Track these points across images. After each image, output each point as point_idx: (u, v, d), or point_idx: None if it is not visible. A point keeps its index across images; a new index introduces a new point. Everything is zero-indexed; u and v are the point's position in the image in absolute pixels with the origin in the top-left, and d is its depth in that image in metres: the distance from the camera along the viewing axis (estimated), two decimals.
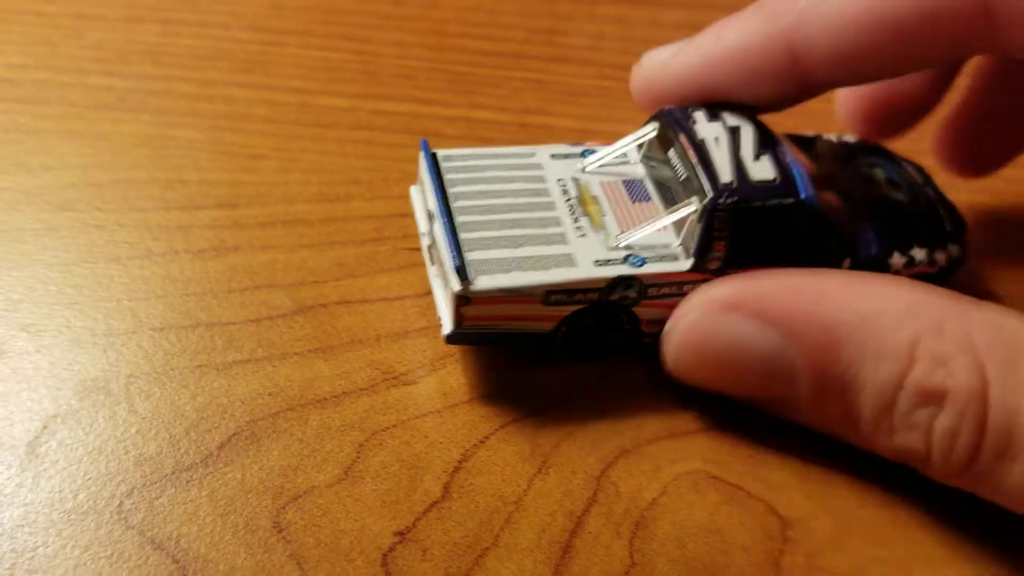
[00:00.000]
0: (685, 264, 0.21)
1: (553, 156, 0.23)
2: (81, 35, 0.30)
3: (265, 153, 0.27)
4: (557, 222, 0.21)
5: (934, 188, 0.25)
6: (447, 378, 0.21)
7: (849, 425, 0.19)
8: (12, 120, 0.27)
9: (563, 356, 0.22)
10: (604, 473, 0.20)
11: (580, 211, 0.22)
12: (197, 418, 0.20)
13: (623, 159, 0.23)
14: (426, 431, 0.20)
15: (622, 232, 0.21)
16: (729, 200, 0.20)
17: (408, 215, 0.25)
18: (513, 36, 0.33)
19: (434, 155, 0.22)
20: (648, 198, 0.22)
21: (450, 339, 0.20)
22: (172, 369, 0.21)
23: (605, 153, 0.23)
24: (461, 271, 0.19)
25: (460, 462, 0.20)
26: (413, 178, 0.27)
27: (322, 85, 0.30)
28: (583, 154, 0.23)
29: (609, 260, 0.20)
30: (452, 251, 0.20)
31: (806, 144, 0.25)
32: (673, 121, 0.22)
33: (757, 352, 0.19)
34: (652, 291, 0.21)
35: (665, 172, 0.22)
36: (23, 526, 0.18)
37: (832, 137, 0.26)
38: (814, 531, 0.19)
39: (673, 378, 0.21)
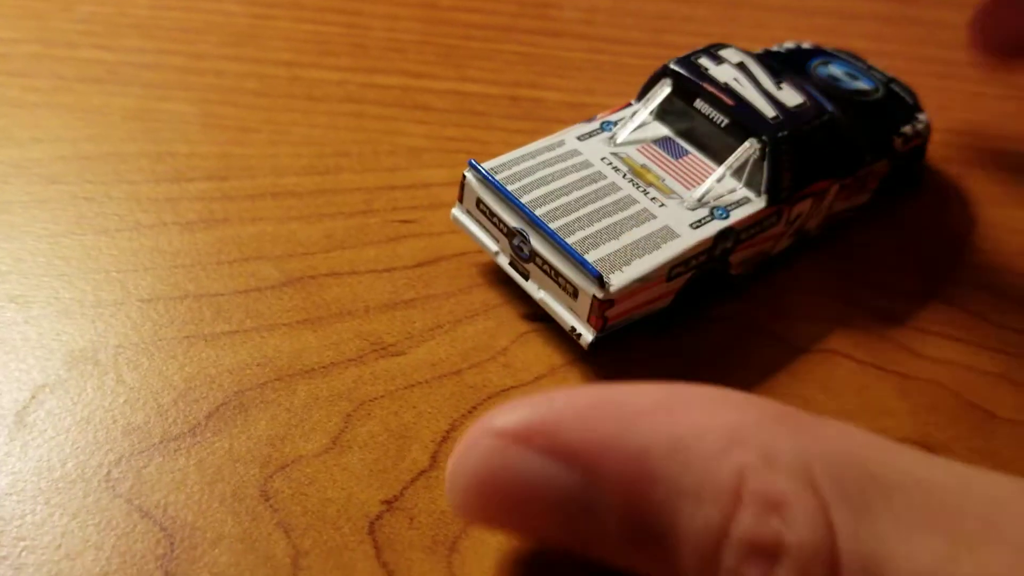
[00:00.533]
0: (761, 202, 0.22)
1: (579, 138, 0.23)
2: (72, 8, 0.30)
3: (255, 126, 0.27)
4: (633, 200, 0.22)
5: (877, 70, 0.27)
6: (436, 349, 0.21)
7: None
8: (2, 93, 0.27)
9: (671, 323, 0.22)
10: None
11: (642, 183, 0.22)
12: (185, 388, 0.20)
13: (630, 117, 0.24)
14: (414, 401, 0.20)
15: (690, 190, 0.22)
16: (784, 133, 0.22)
17: (397, 187, 0.26)
18: (504, 9, 0.33)
19: (486, 170, 0.22)
20: (686, 151, 0.23)
21: (594, 346, 0.20)
22: (160, 340, 0.21)
23: (628, 121, 0.24)
24: (599, 277, 0.20)
25: (448, 432, 0.20)
26: (403, 151, 0.27)
27: (312, 58, 0.30)
28: (603, 127, 0.24)
29: (701, 220, 0.21)
30: (580, 259, 0.20)
31: (765, 60, 0.25)
32: (687, 73, 0.23)
33: (553, 494, 0.15)
34: (743, 236, 0.22)
35: (694, 123, 0.23)
36: (11, 494, 0.18)
37: (776, 48, 0.27)
38: None
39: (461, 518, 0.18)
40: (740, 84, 0.23)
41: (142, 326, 0.21)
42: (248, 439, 0.19)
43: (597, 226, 0.21)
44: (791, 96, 0.23)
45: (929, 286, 0.24)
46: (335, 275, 0.23)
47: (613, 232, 0.21)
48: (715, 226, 0.21)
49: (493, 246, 0.22)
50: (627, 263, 0.20)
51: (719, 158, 0.23)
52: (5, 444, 0.18)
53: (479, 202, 0.22)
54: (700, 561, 0.14)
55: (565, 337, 0.22)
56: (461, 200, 0.22)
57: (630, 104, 0.24)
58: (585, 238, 0.21)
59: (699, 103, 0.23)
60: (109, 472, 0.18)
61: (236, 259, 0.23)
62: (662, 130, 0.23)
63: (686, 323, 0.22)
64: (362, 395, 0.20)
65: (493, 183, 0.21)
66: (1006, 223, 0.26)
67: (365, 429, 0.20)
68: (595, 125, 0.24)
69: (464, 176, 0.22)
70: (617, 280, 0.20)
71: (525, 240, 0.21)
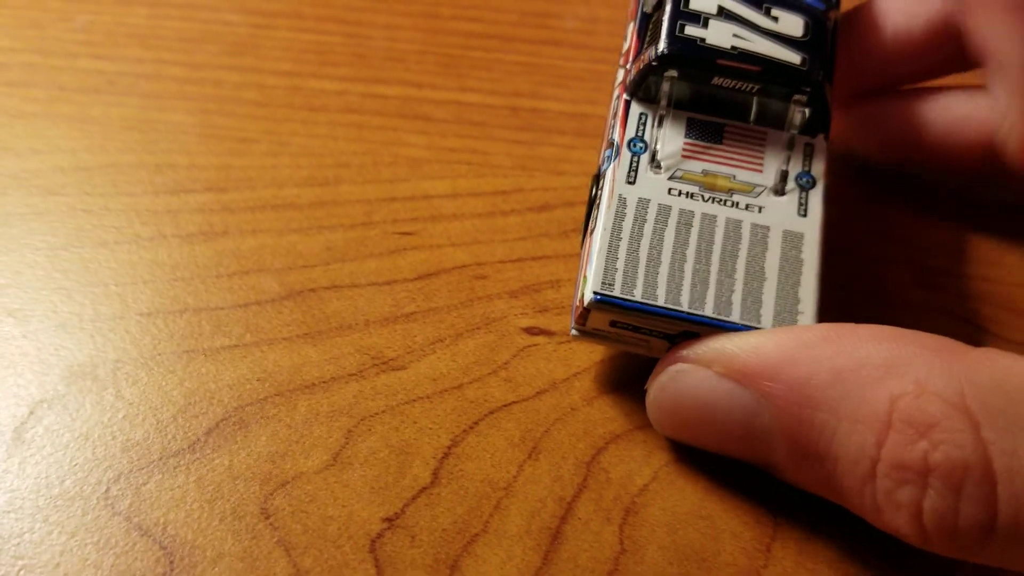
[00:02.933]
0: (822, 141, 0.21)
1: (628, 183, 0.21)
2: (70, 18, 0.30)
3: (255, 137, 0.27)
4: (736, 222, 0.20)
5: None
6: (436, 363, 0.21)
7: (836, 495, 0.17)
8: (0, 104, 0.27)
9: None
10: (595, 459, 0.20)
11: (723, 194, 0.20)
12: (185, 404, 0.20)
13: (653, 124, 0.21)
14: (415, 416, 0.20)
15: (761, 172, 0.21)
16: (820, 74, 0.21)
17: (398, 199, 0.25)
18: (505, 19, 0.32)
19: (616, 297, 0.19)
20: (721, 127, 0.21)
21: None
22: (160, 354, 0.21)
23: (656, 132, 0.21)
24: None
25: (449, 448, 0.20)
26: (404, 161, 0.26)
27: (312, 68, 0.29)
28: (634, 151, 0.21)
29: (800, 201, 0.20)
30: None
31: None
32: (692, 55, 0.21)
33: (732, 414, 0.18)
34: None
35: (717, 98, 0.21)
36: (8, 512, 0.18)
37: None
38: (802, 519, 0.19)
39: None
40: (745, 40, 0.21)
41: (141, 340, 0.21)
42: (248, 456, 0.19)
43: (737, 279, 0.19)
44: (791, 24, 0.21)
45: None
46: (335, 288, 0.23)
47: (755, 274, 0.19)
48: (814, 197, 0.20)
49: (642, 348, 0.20)
50: (797, 303, 0.19)
51: (756, 117, 0.21)
52: (3, 461, 0.18)
53: (614, 324, 0.20)
54: (857, 481, 0.16)
55: (566, 351, 0.22)
56: (583, 325, 0.20)
57: (628, 103, 0.22)
58: (743, 302, 0.19)
59: (718, 80, 0.21)
60: (108, 489, 0.18)
61: (236, 272, 0.23)
62: (682, 122, 0.21)
63: None
64: (363, 410, 0.20)
65: (629, 307, 0.19)
66: None
67: (366, 445, 0.19)
68: (626, 156, 0.21)
69: (587, 310, 0.19)
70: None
71: (689, 337, 0.19)
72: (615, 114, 0.22)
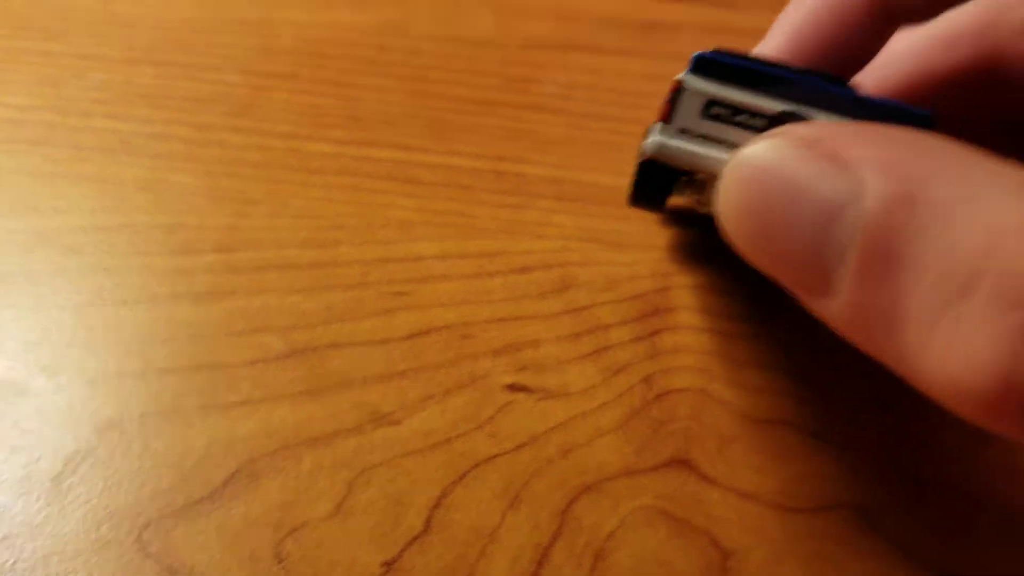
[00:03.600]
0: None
1: None
2: (84, 76, 0.32)
3: (257, 198, 0.29)
4: None
5: None
6: (428, 419, 0.24)
7: (891, 330, 0.14)
8: (22, 162, 0.29)
9: None
10: (569, 508, 0.22)
11: None
12: (203, 455, 0.22)
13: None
14: (409, 469, 0.23)
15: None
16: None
17: (391, 260, 0.28)
18: (489, 83, 0.35)
19: (724, 54, 0.17)
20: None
21: None
22: (180, 409, 0.23)
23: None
24: (928, 116, 0.16)
25: (440, 498, 0.22)
26: (395, 223, 0.29)
27: (309, 130, 0.32)
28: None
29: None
30: (899, 107, 0.16)
31: None
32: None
33: (816, 201, 0.15)
34: None
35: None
36: (54, 555, 0.20)
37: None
38: (750, 561, 0.22)
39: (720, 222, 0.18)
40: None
41: (162, 395, 0.23)
42: (261, 504, 0.21)
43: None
44: None
45: None
46: (335, 346, 0.25)
47: None
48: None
49: (726, 156, 0.17)
50: None
51: None
52: (45, 507, 0.21)
53: (711, 105, 0.17)
54: (942, 300, 0.13)
55: (544, 407, 0.24)
56: (669, 119, 0.18)
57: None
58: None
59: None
60: (140, 535, 0.20)
61: (244, 331, 0.25)
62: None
63: None
64: (362, 463, 0.23)
65: (738, 65, 0.17)
66: None
67: (365, 496, 0.22)
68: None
69: (680, 83, 0.17)
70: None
71: (799, 120, 0.17)
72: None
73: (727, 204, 0.16)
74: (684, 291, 0.28)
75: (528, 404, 0.25)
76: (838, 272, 0.15)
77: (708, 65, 0.17)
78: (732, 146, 0.17)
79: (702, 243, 0.30)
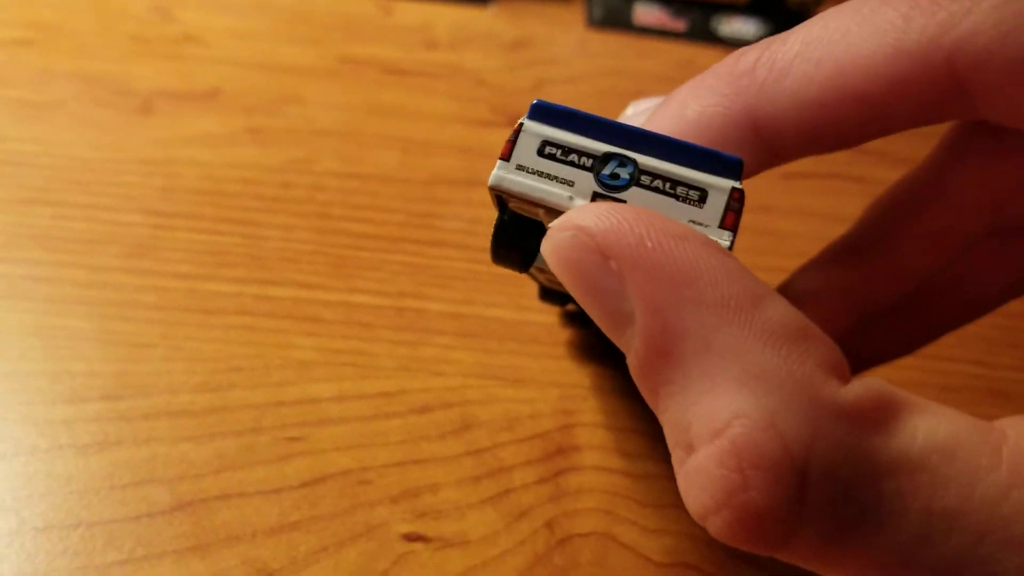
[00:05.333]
0: None
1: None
2: None
3: (151, 341, 0.28)
4: None
5: None
6: (319, 574, 0.23)
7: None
8: None
9: None
10: None
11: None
12: None
13: None
14: None
15: None
16: None
17: (286, 403, 0.27)
18: (393, 219, 0.35)
19: (555, 105, 0.19)
20: None
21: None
22: (54, 571, 0.22)
23: None
24: (739, 162, 0.18)
25: None
26: (293, 364, 0.28)
27: (209, 270, 0.31)
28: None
29: None
30: (708, 152, 0.18)
31: None
32: None
33: (606, 305, 0.17)
34: None
35: None
36: None
37: None
38: None
39: None
40: None
41: (36, 556, 0.22)
42: None
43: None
44: None
45: None
46: (224, 497, 0.24)
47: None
48: None
49: (564, 192, 0.19)
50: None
51: None
52: None
53: (545, 145, 0.19)
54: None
55: (440, 558, 0.24)
56: (508, 158, 0.19)
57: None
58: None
59: None
60: None
61: (129, 483, 0.24)
62: None
63: None
64: None
65: (569, 113, 0.19)
66: None
67: None
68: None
69: (521, 125, 0.19)
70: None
71: (624, 163, 0.19)
72: None
73: (551, 265, 0.18)
74: (587, 429, 0.28)
75: (425, 555, 0.24)
76: (628, 342, 0.16)
77: (544, 111, 0.19)
78: (563, 182, 0.19)
79: (603, 376, 0.30)
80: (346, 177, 0.37)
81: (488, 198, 0.35)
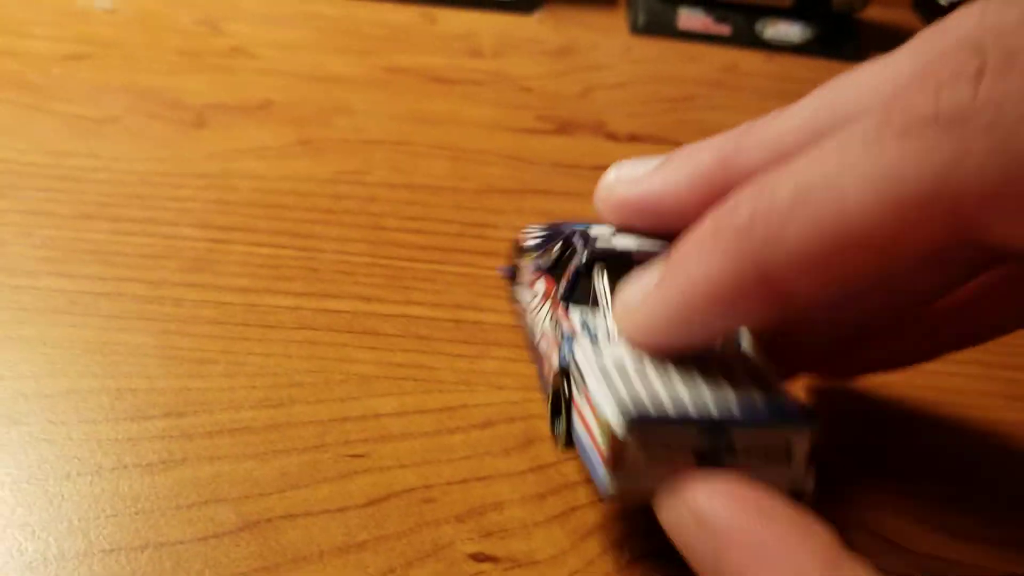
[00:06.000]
0: None
1: (596, 354, 0.23)
2: (31, 233, 0.32)
3: (212, 357, 0.28)
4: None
5: None
6: None
7: None
8: None
9: None
10: None
11: None
12: None
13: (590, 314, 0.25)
14: None
15: None
16: None
17: (349, 419, 0.27)
18: (446, 229, 0.35)
19: (650, 414, 0.21)
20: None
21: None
22: None
23: (597, 316, 0.25)
24: (810, 412, 0.22)
25: None
26: (355, 379, 0.28)
27: (267, 283, 0.31)
28: (587, 333, 0.24)
29: None
30: (783, 412, 0.22)
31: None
32: (613, 255, 0.26)
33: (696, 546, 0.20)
34: None
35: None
36: None
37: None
38: None
39: None
40: (644, 239, 0.26)
41: None
42: None
43: (724, 387, 0.22)
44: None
45: None
46: (290, 517, 0.24)
47: (730, 378, 0.23)
48: None
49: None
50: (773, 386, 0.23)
51: None
52: None
53: (647, 448, 0.21)
54: None
55: None
56: (617, 467, 0.21)
57: (566, 306, 0.25)
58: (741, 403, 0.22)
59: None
60: None
61: (195, 503, 0.24)
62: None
63: None
64: None
65: (666, 420, 0.21)
66: None
67: None
68: (583, 337, 0.24)
69: (623, 441, 0.21)
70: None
71: (719, 445, 0.21)
72: (556, 324, 0.25)
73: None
74: None
75: (494, 575, 0.23)
76: None
77: (639, 421, 0.21)
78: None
79: None
80: (398, 187, 0.37)
81: (540, 205, 0.36)
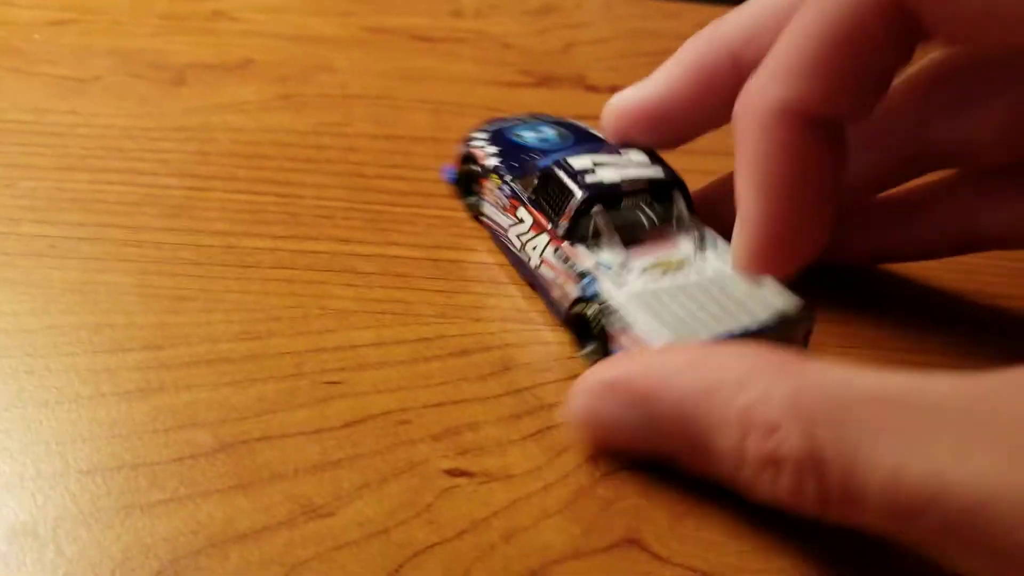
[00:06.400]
0: (695, 217, 0.29)
1: (619, 289, 0.26)
2: (13, 184, 0.32)
3: (191, 295, 0.28)
4: (701, 281, 0.27)
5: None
6: (363, 508, 0.23)
7: (726, 480, 0.22)
8: None
9: None
10: None
11: (680, 270, 0.27)
12: (122, 559, 0.21)
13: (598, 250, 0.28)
14: (343, 562, 0.21)
15: (683, 247, 0.28)
16: (676, 175, 0.29)
17: (326, 350, 0.27)
18: (426, 176, 0.35)
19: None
20: (638, 238, 0.28)
21: None
22: (98, 511, 0.22)
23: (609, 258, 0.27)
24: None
25: None
26: (333, 314, 0.28)
27: (246, 227, 0.31)
28: (604, 268, 0.27)
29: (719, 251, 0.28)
30: None
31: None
32: (601, 191, 0.28)
33: (634, 430, 0.23)
34: None
35: (622, 218, 0.28)
36: None
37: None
38: None
39: None
40: (623, 173, 0.28)
41: (80, 497, 0.22)
42: None
43: (731, 310, 0.26)
44: (637, 156, 0.29)
45: None
46: (266, 439, 0.24)
47: (737, 303, 0.26)
48: (722, 244, 0.28)
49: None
50: (778, 298, 0.26)
51: (650, 222, 0.28)
52: None
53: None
54: (734, 469, 0.21)
55: (485, 492, 0.23)
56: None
57: (572, 245, 0.28)
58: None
59: (625, 202, 0.28)
60: None
61: (171, 427, 0.24)
62: (611, 239, 0.28)
63: None
64: (293, 558, 0.21)
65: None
66: None
67: None
68: (603, 273, 0.27)
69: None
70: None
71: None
72: (565, 259, 0.28)
73: (580, 430, 0.25)
74: None
75: (469, 488, 0.24)
76: (675, 455, 0.23)
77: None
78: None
79: None
80: (378, 138, 0.37)
81: None
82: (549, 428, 0.25)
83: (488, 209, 0.31)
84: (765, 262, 0.27)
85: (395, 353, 0.27)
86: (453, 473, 0.24)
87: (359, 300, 0.29)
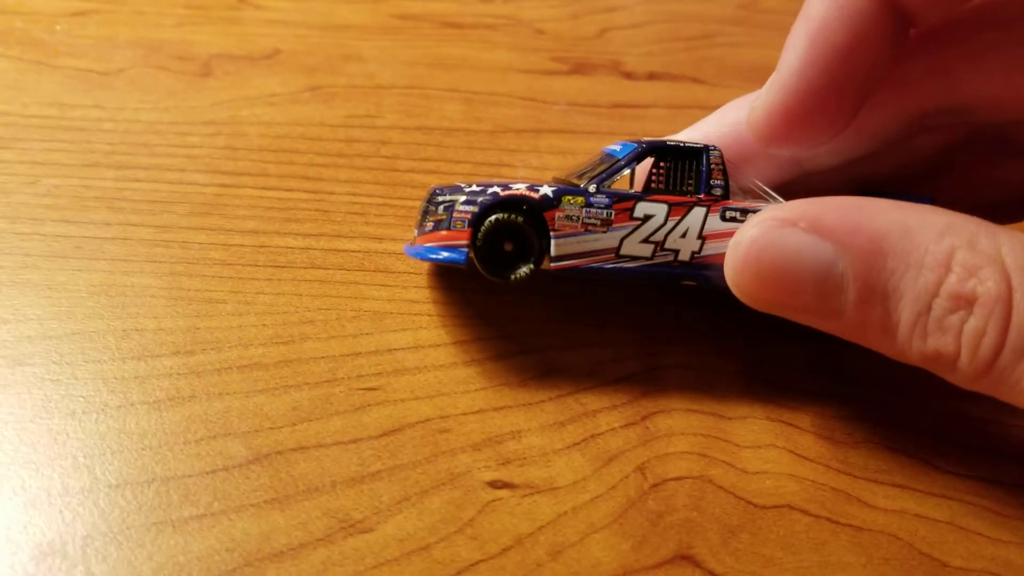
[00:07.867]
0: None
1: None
2: (37, 183, 0.31)
3: (221, 297, 0.28)
4: None
5: None
6: (403, 523, 0.22)
7: (887, 333, 0.22)
8: None
9: None
10: None
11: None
12: None
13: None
14: None
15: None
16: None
17: (361, 354, 0.26)
18: (461, 170, 0.34)
19: None
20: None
21: None
22: (129, 528, 0.21)
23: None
24: None
25: None
26: (368, 316, 0.27)
27: (277, 226, 0.30)
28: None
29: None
30: None
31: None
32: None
33: (812, 262, 0.22)
34: None
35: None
36: None
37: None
38: None
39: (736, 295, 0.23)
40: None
41: (110, 514, 0.21)
42: None
43: None
44: None
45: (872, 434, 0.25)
46: (302, 449, 0.23)
47: None
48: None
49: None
50: None
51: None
52: None
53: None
54: (915, 315, 0.21)
55: (529, 504, 0.22)
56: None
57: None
58: None
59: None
60: None
61: (203, 437, 0.23)
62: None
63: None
64: None
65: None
66: None
67: None
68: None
69: None
70: None
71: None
72: (742, 211, 0.26)
73: (741, 274, 0.23)
74: (673, 371, 0.27)
75: (512, 502, 0.23)
76: (840, 303, 0.22)
77: None
78: None
79: (685, 319, 0.28)
80: (410, 130, 0.36)
81: (558, 144, 0.35)
82: (594, 436, 0.24)
83: (568, 245, 0.25)
84: (779, 122, 0.25)
85: (432, 357, 0.26)
86: (496, 485, 0.23)
87: (394, 301, 0.28)
